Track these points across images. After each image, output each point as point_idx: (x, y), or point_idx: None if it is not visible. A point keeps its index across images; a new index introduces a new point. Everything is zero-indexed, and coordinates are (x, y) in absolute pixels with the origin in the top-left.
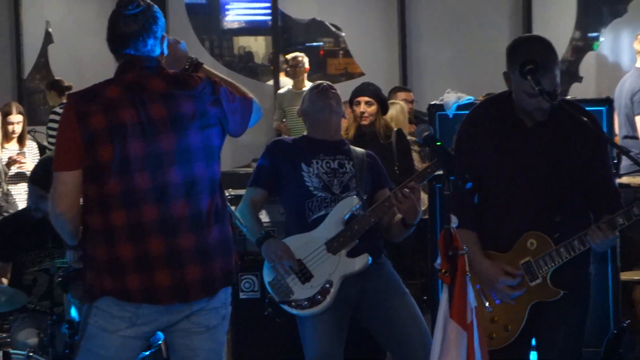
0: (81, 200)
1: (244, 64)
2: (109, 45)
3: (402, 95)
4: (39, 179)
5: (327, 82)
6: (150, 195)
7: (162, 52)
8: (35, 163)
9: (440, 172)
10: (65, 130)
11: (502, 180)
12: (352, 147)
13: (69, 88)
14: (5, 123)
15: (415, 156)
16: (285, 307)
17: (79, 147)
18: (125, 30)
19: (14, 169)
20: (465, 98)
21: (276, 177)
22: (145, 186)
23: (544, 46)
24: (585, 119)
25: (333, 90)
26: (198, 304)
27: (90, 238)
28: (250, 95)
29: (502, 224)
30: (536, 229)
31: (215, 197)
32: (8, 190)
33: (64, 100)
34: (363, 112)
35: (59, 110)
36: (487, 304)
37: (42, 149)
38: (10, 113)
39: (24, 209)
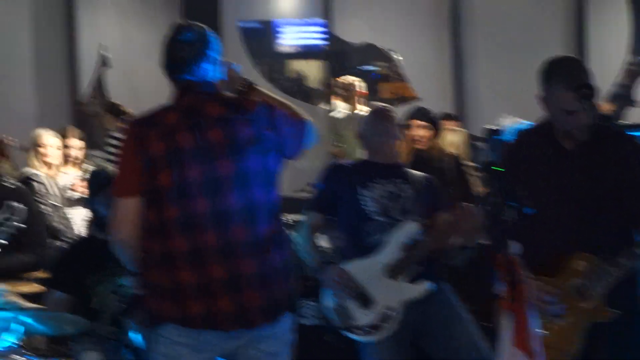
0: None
1: (298, 87)
2: (164, 71)
3: (449, 124)
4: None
5: (385, 105)
6: (210, 220)
7: (218, 76)
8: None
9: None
10: (125, 157)
11: (546, 205)
12: (409, 170)
13: (126, 112)
14: (64, 147)
15: (474, 181)
16: (347, 333)
17: (138, 173)
18: (181, 55)
19: (72, 193)
20: (521, 123)
21: (334, 201)
22: (204, 211)
23: (583, 66)
24: (623, 137)
25: (391, 114)
26: (260, 330)
27: (151, 264)
28: (306, 116)
29: (547, 247)
30: (582, 250)
31: (275, 222)
32: (66, 214)
33: (121, 125)
34: (418, 136)
35: (115, 134)
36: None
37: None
38: (67, 137)
39: (86, 233)
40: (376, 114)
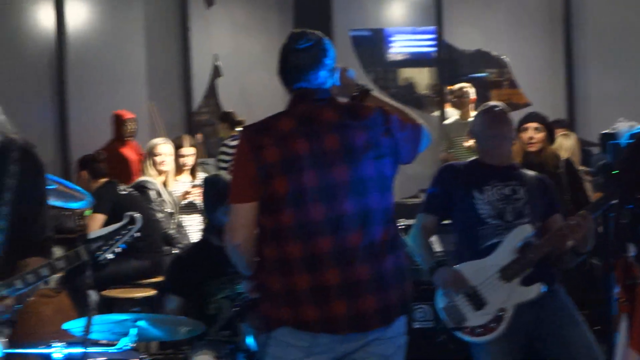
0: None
1: (409, 95)
2: (280, 79)
3: (560, 130)
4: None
5: (499, 105)
6: (325, 226)
7: (333, 84)
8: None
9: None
10: (240, 164)
11: None
12: (523, 170)
13: (241, 122)
14: (178, 156)
15: (587, 186)
16: (459, 334)
17: (253, 180)
18: (297, 63)
19: (186, 201)
20: (638, 127)
21: (448, 203)
22: (320, 218)
23: None
24: None
25: (505, 115)
26: (374, 333)
27: (266, 268)
28: (419, 121)
29: None
30: None
31: (389, 227)
32: (180, 221)
33: (235, 133)
34: (531, 138)
35: (229, 142)
36: None
37: None
38: (182, 146)
39: (201, 240)
40: (490, 115)
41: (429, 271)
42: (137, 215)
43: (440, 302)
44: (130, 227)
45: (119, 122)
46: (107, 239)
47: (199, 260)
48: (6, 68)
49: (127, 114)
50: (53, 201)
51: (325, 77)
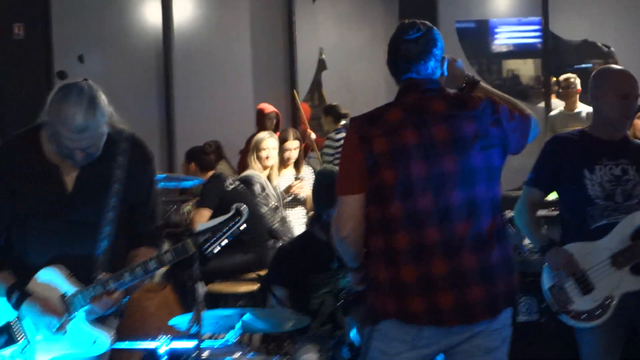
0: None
1: (514, 86)
2: (390, 69)
3: None
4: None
5: (620, 68)
6: (433, 216)
7: (442, 74)
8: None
9: None
10: (349, 155)
11: None
12: (634, 143)
13: (346, 115)
14: (283, 149)
15: None
16: (563, 317)
17: (362, 171)
18: (407, 54)
19: (290, 194)
20: None
21: (555, 177)
22: (428, 208)
23: None
24: None
25: (630, 78)
26: (480, 325)
27: (373, 260)
28: (528, 111)
29: None
30: None
31: (496, 218)
32: (285, 215)
33: (339, 126)
34: None
35: (334, 136)
36: None
37: None
38: (287, 139)
39: (305, 232)
40: (618, 72)
41: (539, 250)
42: (243, 207)
43: (547, 282)
44: (237, 219)
45: (260, 116)
46: (214, 231)
47: (303, 253)
48: (114, 63)
49: (268, 108)
50: (166, 183)
51: (434, 68)
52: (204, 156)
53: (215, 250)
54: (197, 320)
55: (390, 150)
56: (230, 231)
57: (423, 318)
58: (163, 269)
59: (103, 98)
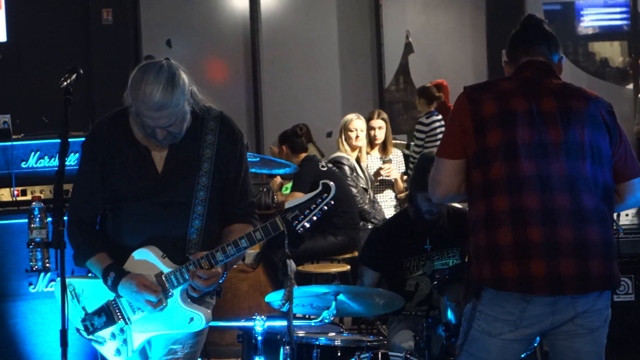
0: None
1: (601, 68)
2: (508, 54)
3: None
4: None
5: None
6: (534, 183)
7: (559, 61)
8: (402, 171)
9: None
10: (456, 118)
11: None
12: None
13: (439, 97)
14: (369, 129)
15: None
16: None
17: (467, 135)
18: (525, 38)
19: (379, 177)
20: None
21: None
22: (529, 173)
23: None
24: None
25: None
26: (583, 305)
27: (474, 229)
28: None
29: None
30: None
31: (599, 198)
32: (374, 197)
33: (431, 109)
34: None
35: (424, 120)
36: None
37: (406, 157)
38: (372, 119)
39: (399, 215)
40: None
41: None
42: (331, 183)
43: None
44: (324, 195)
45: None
46: (303, 208)
47: (396, 236)
48: (202, 48)
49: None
50: (259, 169)
51: (550, 54)
52: (296, 139)
53: (306, 226)
54: (289, 296)
55: (497, 114)
56: (319, 207)
57: (514, 285)
58: (255, 251)
59: (184, 77)
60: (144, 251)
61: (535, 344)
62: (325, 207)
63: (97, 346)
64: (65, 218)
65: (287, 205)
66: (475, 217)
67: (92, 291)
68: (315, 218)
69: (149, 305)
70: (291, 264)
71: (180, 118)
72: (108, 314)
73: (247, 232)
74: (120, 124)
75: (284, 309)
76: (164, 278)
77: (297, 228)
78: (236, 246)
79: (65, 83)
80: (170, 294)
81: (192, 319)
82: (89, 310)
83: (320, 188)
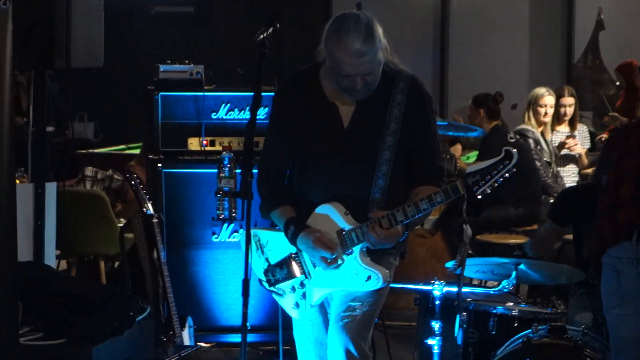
0: None
1: None
2: None
3: None
4: None
5: None
6: None
7: None
8: (587, 147)
9: None
10: None
11: None
12: None
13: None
14: (558, 105)
15: None
16: None
17: None
18: None
19: (564, 151)
20: None
21: None
22: None
23: None
24: None
25: None
26: None
27: None
28: None
29: None
30: None
31: None
32: (557, 171)
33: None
34: None
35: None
36: None
37: (591, 133)
38: (562, 96)
39: (590, 184)
40: None
41: None
42: (514, 150)
43: None
44: (506, 162)
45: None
46: (484, 173)
47: (583, 202)
48: (391, 17)
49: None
50: (447, 131)
51: None
52: (493, 105)
53: (487, 192)
54: (462, 261)
55: None
56: (500, 174)
57: None
58: (434, 217)
59: (379, 26)
60: (327, 207)
61: None
62: (507, 175)
63: (277, 298)
64: (254, 170)
65: (469, 170)
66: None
67: (275, 243)
68: (496, 184)
69: (323, 262)
70: (467, 230)
71: (377, 67)
72: (289, 267)
73: (428, 194)
74: (308, 80)
75: (457, 272)
76: (344, 235)
77: (478, 193)
78: (416, 207)
79: (261, 36)
80: (349, 251)
81: (369, 277)
82: (272, 262)
83: (502, 154)
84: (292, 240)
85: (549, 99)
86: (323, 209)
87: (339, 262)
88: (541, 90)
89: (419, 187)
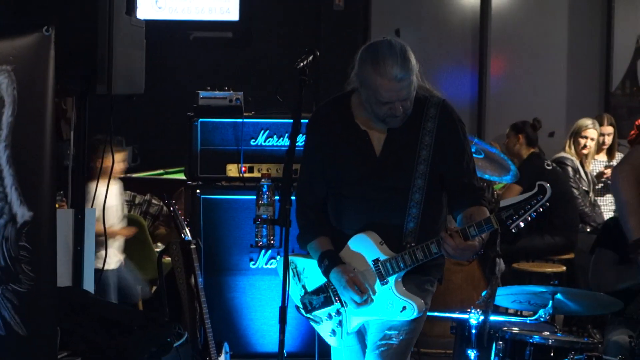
0: None
1: None
2: None
3: None
4: None
5: None
6: None
7: None
8: None
9: None
10: None
11: None
12: None
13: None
14: (598, 135)
15: None
16: None
17: None
18: None
19: (601, 181)
20: None
21: None
22: None
23: None
24: None
25: None
26: None
27: None
28: None
29: None
30: None
31: None
32: (595, 200)
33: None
34: None
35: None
36: None
37: None
38: (602, 124)
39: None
40: None
41: None
42: (547, 185)
43: None
44: (540, 197)
45: None
46: (518, 208)
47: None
48: (430, 39)
49: None
50: (484, 174)
51: None
52: (532, 132)
53: (521, 226)
54: (492, 294)
55: None
56: (534, 208)
57: None
58: None
59: (410, 51)
60: (362, 236)
61: None
62: (540, 209)
63: (314, 325)
64: (292, 197)
65: (502, 203)
66: None
67: (312, 270)
68: (529, 219)
69: (352, 302)
70: (500, 263)
71: (413, 92)
72: (326, 295)
73: (462, 227)
74: (340, 108)
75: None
76: (379, 265)
77: (511, 227)
78: (479, 227)
79: (302, 64)
80: (385, 281)
81: (404, 308)
82: (309, 289)
83: (536, 189)
84: (325, 274)
85: (592, 132)
86: (358, 239)
87: (369, 302)
88: (587, 121)
89: (467, 209)
